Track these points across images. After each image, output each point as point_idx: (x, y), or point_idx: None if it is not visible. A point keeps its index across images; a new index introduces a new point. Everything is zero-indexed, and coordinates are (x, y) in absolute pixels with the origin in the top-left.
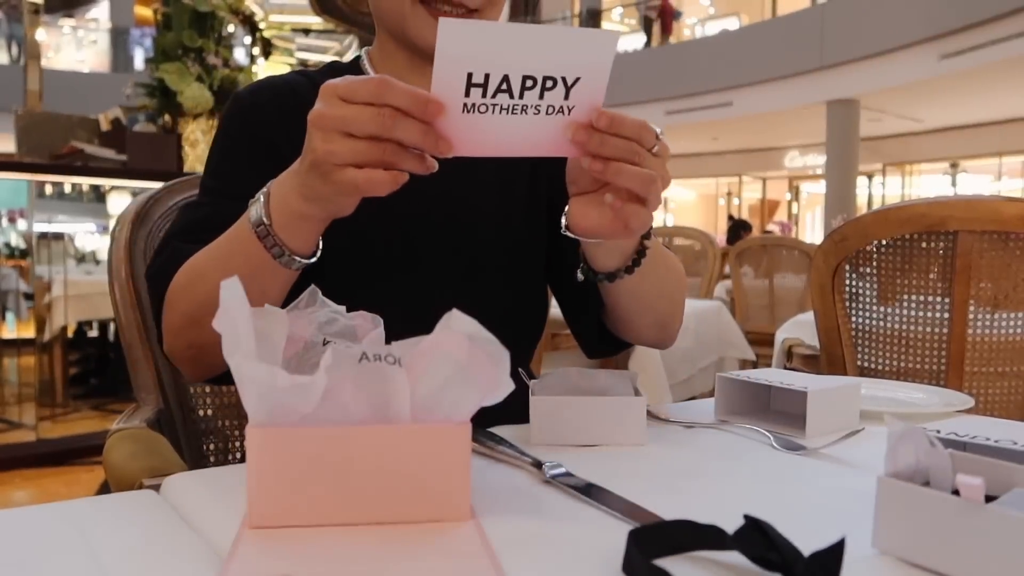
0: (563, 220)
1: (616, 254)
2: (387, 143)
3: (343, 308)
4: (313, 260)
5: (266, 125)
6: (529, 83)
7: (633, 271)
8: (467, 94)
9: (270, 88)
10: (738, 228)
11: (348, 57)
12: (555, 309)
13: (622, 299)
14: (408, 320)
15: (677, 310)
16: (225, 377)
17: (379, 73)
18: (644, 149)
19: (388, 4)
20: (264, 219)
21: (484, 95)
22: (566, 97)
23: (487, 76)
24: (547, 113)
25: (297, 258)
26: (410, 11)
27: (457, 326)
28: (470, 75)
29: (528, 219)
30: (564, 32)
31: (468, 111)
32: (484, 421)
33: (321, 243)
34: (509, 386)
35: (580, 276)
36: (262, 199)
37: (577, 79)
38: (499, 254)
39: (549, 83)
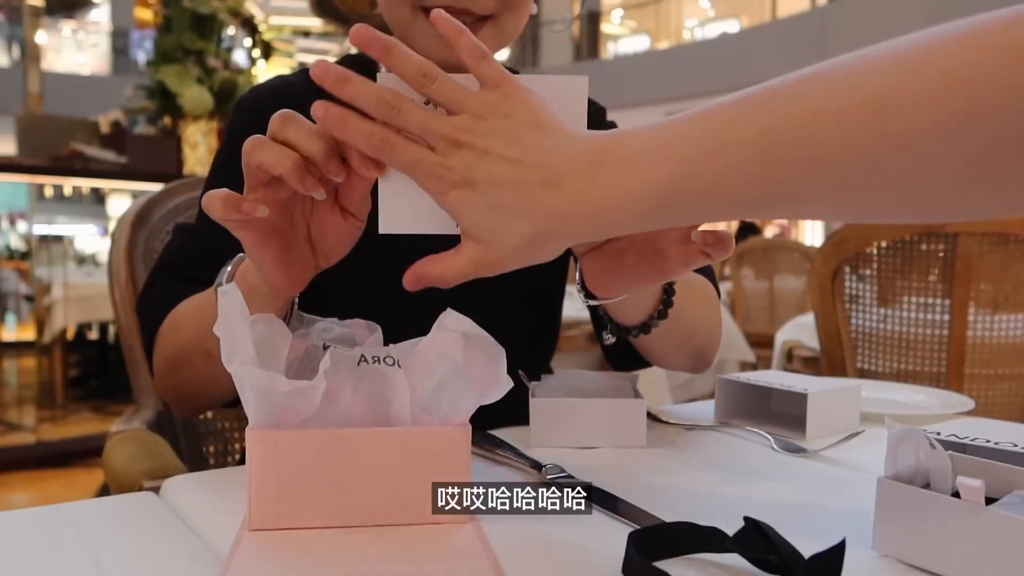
0: (580, 293)
1: (643, 302)
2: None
3: (336, 319)
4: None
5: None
6: None
7: (667, 314)
8: None
9: (271, 91)
10: (746, 231)
11: None
12: None
13: (655, 343)
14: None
15: (714, 340)
16: (212, 406)
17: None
18: None
19: (392, 14)
20: (223, 282)
21: None
22: None
23: None
24: None
25: None
26: (411, 20)
27: (452, 324)
28: None
29: None
30: (537, 80)
31: None
32: (484, 423)
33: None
34: (507, 383)
35: (610, 338)
36: (229, 268)
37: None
38: (512, 276)
39: None
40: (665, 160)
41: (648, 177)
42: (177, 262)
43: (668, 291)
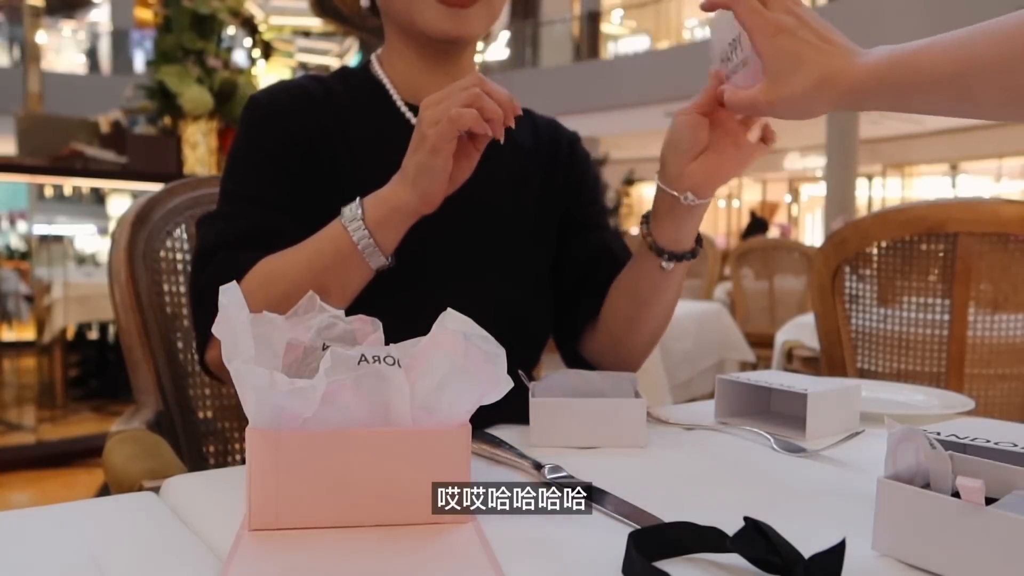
0: (688, 195)
1: (693, 231)
2: (474, 111)
3: (342, 312)
4: (390, 264)
5: (287, 125)
6: (730, 48)
7: (696, 253)
8: (731, 59)
9: (285, 91)
10: (755, 227)
11: (349, 59)
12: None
13: (661, 293)
14: (414, 320)
15: (664, 327)
16: None
17: (391, 77)
18: None
19: None
20: (359, 214)
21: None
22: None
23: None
24: (743, 65)
25: (380, 256)
26: None
27: (452, 324)
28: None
29: (539, 223)
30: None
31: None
32: (484, 421)
33: (393, 257)
34: (507, 384)
35: (668, 265)
36: (357, 201)
37: (734, 38)
38: (508, 255)
39: (731, 45)
40: (894, 50)
41: (886, 58)
42: (224, 242)
43: (699, 240)
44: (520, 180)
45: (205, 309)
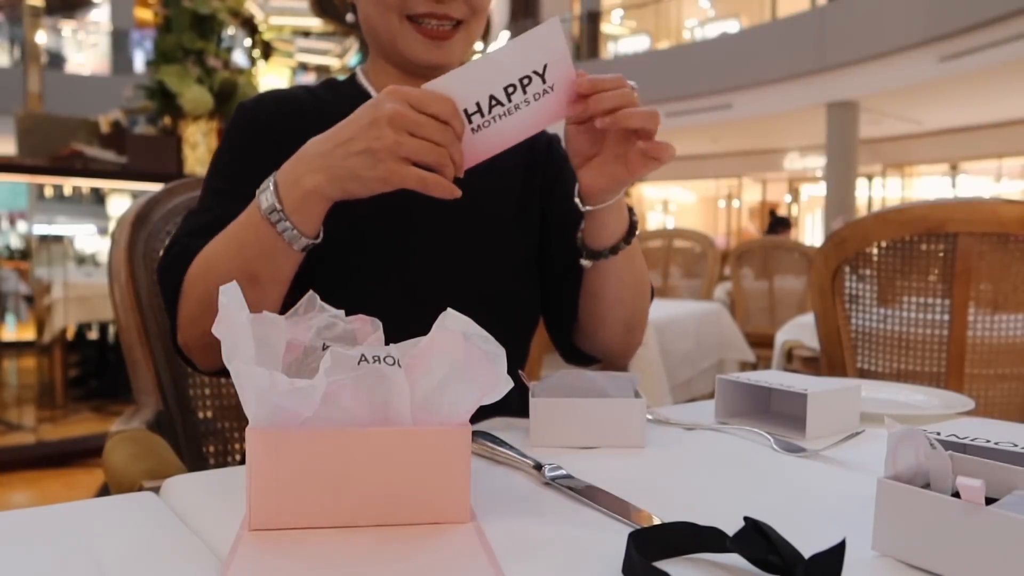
0: (577, 200)
1: (617, 224)
2: (443, 150)
3: (342, 312)
4: (318, 241)
5: (271, 130)
6: (511, 89)
7: (631, 240)
8: (470, 121)
9: (273, 99)
10: (777, 225)
11: (349, 58)
12: None
13: (608, 284)
14: (402, 314)
15: (642, 313)
16: None
17: (376, 87)
18: (632, 92)
19: (379, 22)
20: (277, 205)
21: (483, 116)
22: (544, 81)
23: (478, 104)
24: (535, 99)
25: (304, 239)
26: (399, 29)
27: (452, 325)
28: (465, 110)
29: (520, 218)
30: (517, 42)
31: (477, 130)
32: (480, 414)
33: (322, 230)
34: (508, 384)
35: (586, 263)
36: (271, 187)
37: (545, 65)
38: (491, 250)
39: (526, 80)
40: None
41: None
42: (189, 231)
43: (632, 224)
44: (500, 172)
45: (165, 296)
